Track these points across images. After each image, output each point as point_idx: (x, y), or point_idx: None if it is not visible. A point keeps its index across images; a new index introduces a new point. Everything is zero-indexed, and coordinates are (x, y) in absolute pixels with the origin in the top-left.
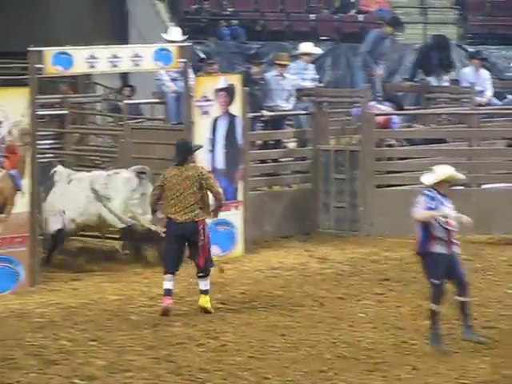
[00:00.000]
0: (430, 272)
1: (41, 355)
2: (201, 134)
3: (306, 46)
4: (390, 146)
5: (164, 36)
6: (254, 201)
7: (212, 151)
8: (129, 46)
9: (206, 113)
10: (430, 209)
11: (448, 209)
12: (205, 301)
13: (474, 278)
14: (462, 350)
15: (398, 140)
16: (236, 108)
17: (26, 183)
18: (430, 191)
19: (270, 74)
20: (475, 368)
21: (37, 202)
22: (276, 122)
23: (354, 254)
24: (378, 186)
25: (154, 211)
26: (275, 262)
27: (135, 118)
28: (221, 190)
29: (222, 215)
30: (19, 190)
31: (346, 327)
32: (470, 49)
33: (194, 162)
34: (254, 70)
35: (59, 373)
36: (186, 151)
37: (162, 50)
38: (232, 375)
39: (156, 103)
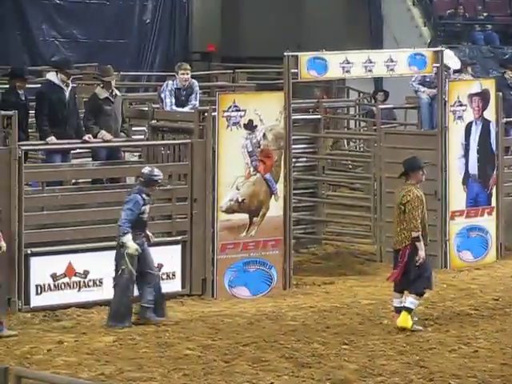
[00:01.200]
0: None
1: (293, 358)
2: (454, 139)
3: None
4: None
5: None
6: (508, 206)
7: (465, 156)
8: (383, 50)
9: (459, 118)
10: None
11: None
12: (402, 320)
13: None
14: None
15: None
16: (490, 113)
17: (280, 187)
18: None
19: None
20: None
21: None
22: None
23: None
24: None
25: None
26: None
27: (388, 123)
28: (416, 226)
29: (475, 221)
30: (274, 194)
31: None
32: None
33: (417, 182)
34: (509, 74)
35: (311, 376)
36: (407, 168)
37: (417, 54)
38: (484, 382)
39: (409, 108)
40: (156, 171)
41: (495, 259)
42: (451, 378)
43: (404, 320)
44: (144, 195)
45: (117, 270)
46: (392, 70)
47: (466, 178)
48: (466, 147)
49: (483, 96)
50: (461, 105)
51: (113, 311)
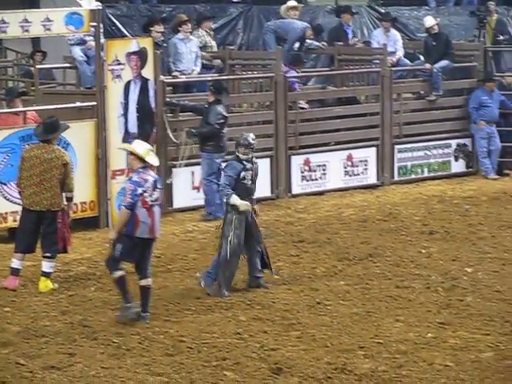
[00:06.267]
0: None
1: None
2: (113, 97)
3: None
4: (302, 108)
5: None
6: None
7: (125, 115)
8: (39, 10)
9: (118, 77)
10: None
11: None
12: (43, 286)
13: (388, 239)
14: (376, 310)
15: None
16: (148, 71)
17: None
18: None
19: (177, 38)
20: (389, 327)
21: None
22: (187, 86)
23: (268, 216)
24: (291, 148)
25: None
26: (190, 225)
27: (47, 83)
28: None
29: None
30: None
31: (260, 289)
32: (382, 10)
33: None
34: (154, 34)
35: None
36: (53, 130)
37: (73, 13)
38: (148, 339)
39: (68, 68)
40: (251, 136)
41: None
42: (114, 336)
43: (45, 286)
44: (244, 161)
45: (225, 237)
46: (49, 29)
47: (126, 136)
48: (126, 106)
49: (141, 55)
50: (119, 63)
51: (223, 279)
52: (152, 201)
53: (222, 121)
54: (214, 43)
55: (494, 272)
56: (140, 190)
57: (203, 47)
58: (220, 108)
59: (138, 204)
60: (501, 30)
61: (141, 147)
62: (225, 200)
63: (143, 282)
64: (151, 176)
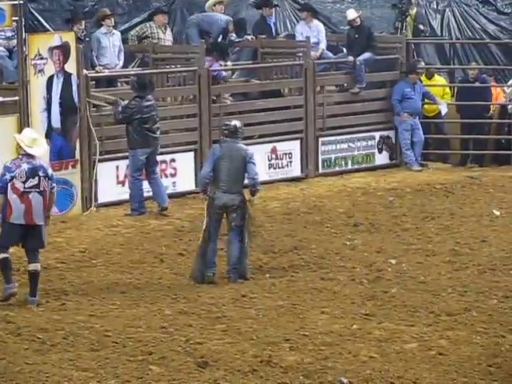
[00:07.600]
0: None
1: None
2: (36, 92)
3: None
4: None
5: None
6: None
7: (48, 110)
8: None
9: (40, 71)
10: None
11: None
12: None
13: (313, 231)
14: (301, 302)
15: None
16: (71, 66)
17: None
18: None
19: (100, 32)
20: (315, 319)
21: None
22: (111, 81)
23: (192, 209)
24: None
25: None
26: (115, 220)
27: None
28: None
29: (59, 174)
30: None
31: (186, 283)
32: (303, 2)
33: None
34: (75, 29)
35: None
36: None
37: None
38: (72, 334)
39: None
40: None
41: (81, 212)
42: (39, 331)
43: None
44: None
45: (243, 226)
46: None
47: (50, 131)
48: (49, 101)
49: (64, 49)
50: (41, 58)
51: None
52: (26, 188)
53: (126, 114)
54: (164, 37)
55: (418, 263)
56: (8, 176)
57: (146, 38)
58: (135, 103)
59: (9, 189)
60: (420, 23)
61: (24, 136)
62: (258, 188)
63: (30, 267)
64: (28, 163)
